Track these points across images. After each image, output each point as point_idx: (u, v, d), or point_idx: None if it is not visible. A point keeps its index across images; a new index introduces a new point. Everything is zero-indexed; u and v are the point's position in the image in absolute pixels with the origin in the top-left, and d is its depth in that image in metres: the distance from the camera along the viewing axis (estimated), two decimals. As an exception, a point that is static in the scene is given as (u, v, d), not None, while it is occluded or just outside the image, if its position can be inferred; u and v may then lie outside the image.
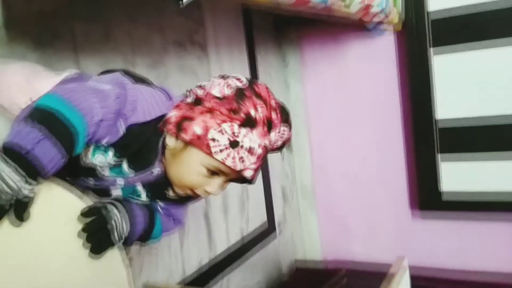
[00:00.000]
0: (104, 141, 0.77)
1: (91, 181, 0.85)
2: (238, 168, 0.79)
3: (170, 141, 0.81)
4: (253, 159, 0.79)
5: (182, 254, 1.78)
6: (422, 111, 2.15)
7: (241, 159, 0.78)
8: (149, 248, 1.59)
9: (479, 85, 2.05)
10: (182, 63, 1.80)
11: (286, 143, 0.85)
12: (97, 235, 0.77)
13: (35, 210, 0.67)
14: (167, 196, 0.90)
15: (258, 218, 2.29)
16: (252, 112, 0.78)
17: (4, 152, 0.64)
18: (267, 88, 0.83)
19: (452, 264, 2.23)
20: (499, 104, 2.02)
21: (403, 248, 2.30)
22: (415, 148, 2.22)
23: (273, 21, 2.45)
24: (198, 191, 0.83)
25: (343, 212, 2.51)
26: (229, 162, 0.78)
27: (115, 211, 0.82)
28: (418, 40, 2.09)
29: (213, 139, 0.77)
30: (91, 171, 0.82)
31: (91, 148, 0.79)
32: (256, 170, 0.82)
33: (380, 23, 2.00)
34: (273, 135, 0.81)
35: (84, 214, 0.77)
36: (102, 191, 0.86)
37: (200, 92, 0.81)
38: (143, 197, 0.90)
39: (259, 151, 0.79)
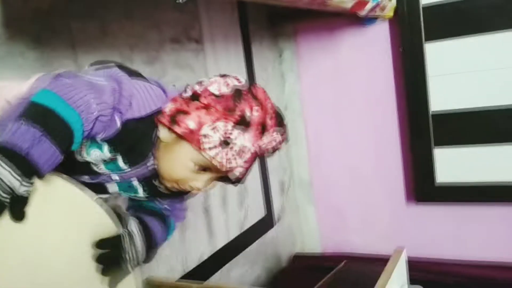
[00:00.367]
0: (100, 137, 0.76)
1: (86, 177, 0.84)
2: (225, 168, 0.78)
3: (163, 132, 0.80)
4: (241, 160, 0.78)
5: (183, 248, 1.80)
6: (417, 100, 2.16)
7: (229, 160, 0.77)
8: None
9: (473, 74, 2.06)
10: (178, 58, 1.80)
11: (277, 148, 0.84)
12: (112, 268, 0.78)
13: (36, 204, 0.66)
14: (161, 191, 0.89)
15: (257, 211, 2.31)
16: (247, 113, 0.78)
17: (0, 152, 0.62)
18: (264, 91, 0.83)
19: (448, 253, 2.26)
20: (492, 94, 2.04)
21: (401, 238, 2.33)
22: (411, 138, 2.23)
23: (268, 14, 2.44)
24: (184, 186, 0.82)
25: (341, 203, 2.53)
26: (217, 161, 0.77)
27: (131, 239, 0.83)
28: (411, 29, 2.10)
29: (205, 135, 0.76)
30: (86, 166, 0.81)
31: (87, 144, 0.78)
32: (243, 172, 0.81)
33: (375, 16, 2.01)
34: (266, 138, 0.80)
35: (98, 245, 0.76)
36: (98, 187, 0.85)
37: (198, 88, 0.81)
38: (140, 192, 0.89)
39: (249, 153, 0.79)
